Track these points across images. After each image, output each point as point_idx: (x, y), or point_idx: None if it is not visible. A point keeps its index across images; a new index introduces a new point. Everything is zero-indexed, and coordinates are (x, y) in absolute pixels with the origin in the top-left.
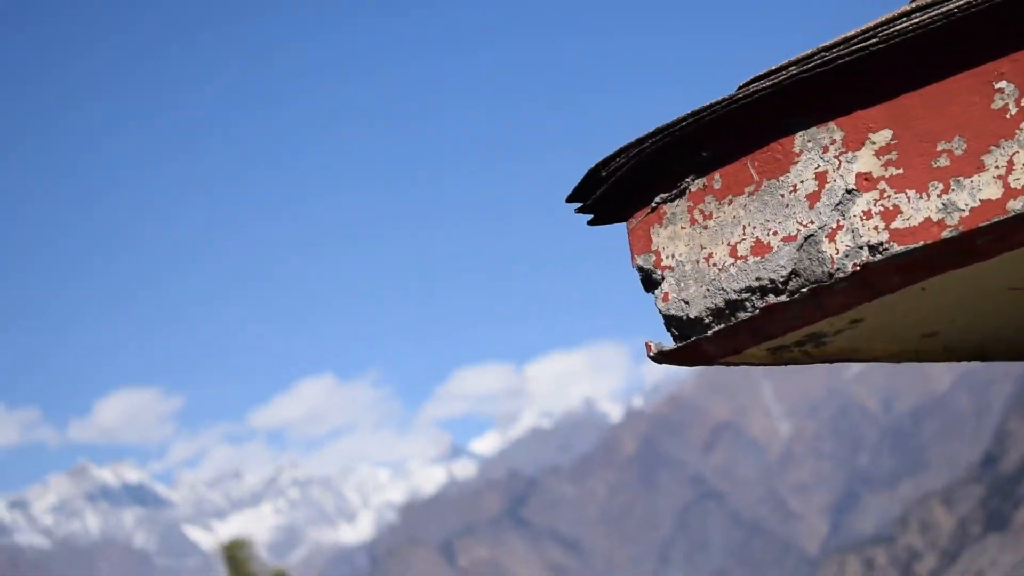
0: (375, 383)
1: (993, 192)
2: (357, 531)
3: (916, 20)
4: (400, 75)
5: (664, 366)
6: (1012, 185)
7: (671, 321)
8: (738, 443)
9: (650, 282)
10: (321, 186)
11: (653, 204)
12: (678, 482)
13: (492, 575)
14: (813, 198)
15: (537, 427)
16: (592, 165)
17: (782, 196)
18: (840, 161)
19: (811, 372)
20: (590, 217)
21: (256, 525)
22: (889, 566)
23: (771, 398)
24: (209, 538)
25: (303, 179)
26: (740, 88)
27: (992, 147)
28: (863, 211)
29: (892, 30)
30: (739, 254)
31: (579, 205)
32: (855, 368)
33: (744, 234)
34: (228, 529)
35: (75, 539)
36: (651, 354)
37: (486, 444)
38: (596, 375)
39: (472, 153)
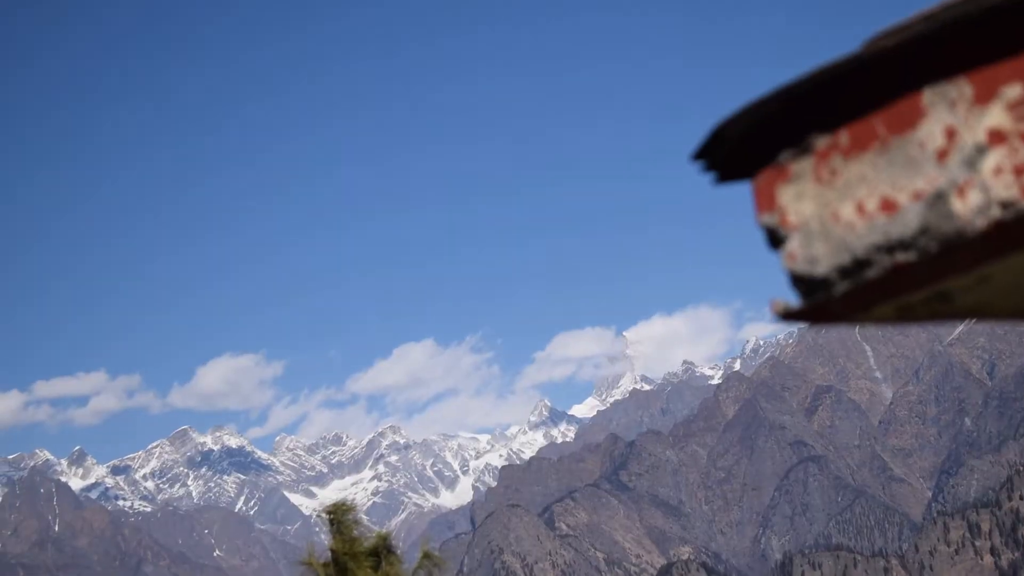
0: (475, 348)
1: None
2: (457, 496)
3: None
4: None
5: (764, 330)
6: None
7: (798, 280)
8: (839, 407)
9: (776, 240)
10: (421, 153)
11: (778, 162)
12: (779, 446)
13: (592, 539)
14: (942, 154)
15: (637, 391)
16: (717, 123)
17: (910, 153)
18: (970, 117)
19: (912, 335)
20: (715, 175)
21: (356, 490)
22: (993, 530)
23: (873, 362)
24: (309, 503)
25: (399, 148)
26: (867, 44)
27: None
28: (994, 167)
29: None
30: (866, 212)
31: (704, 163)
32: (956, 331)
33: (871, 191)
34: (328, 495)
35: (177, 503)
36: (777, 313)
37: (585, 408)
38: (696, 339)
39: (567, 116)
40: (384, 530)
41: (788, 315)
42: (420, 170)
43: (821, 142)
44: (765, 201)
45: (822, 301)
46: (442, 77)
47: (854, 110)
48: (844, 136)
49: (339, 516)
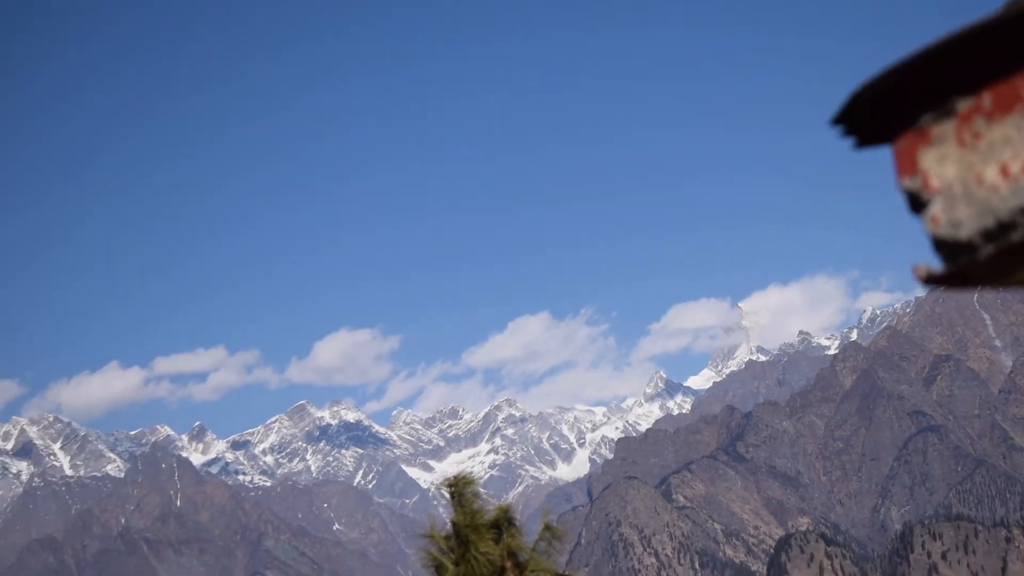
0: (591, 321)
1: None
2: (573, 468)
3: None
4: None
5: (881, 299)
6: None
7: (940, 244)
8: (958, 376)
9: (917, 204)
10: (539, 131)
11: (920, 126)
12: (897, 416)
13: (709, 511)
14: None
15: (752, 362)
16: (856, 88)
17: None
18: None
19: None
20: (854, 140)
21: (473, 464)
22: None
23: (992, 330)
24: (427, 477)
25: (520, 128)
26: (1009, 5)
27: None
28: None
29: None
30: (1011, 174)
31: (844, 128)
32: None
33: (1016, 154)
34: (445, 468)
35: (296, 478)
36: (920, 277)
37: (701, 380)
38: (812, 309)
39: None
40: (504, 502)
41: (931, 279)
42: (536, 147)
43: (963, 105)
44: (906, 165)
45: (965, 265)
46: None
47: (996, 72)
48: (987, 98)
49: (460, 489)
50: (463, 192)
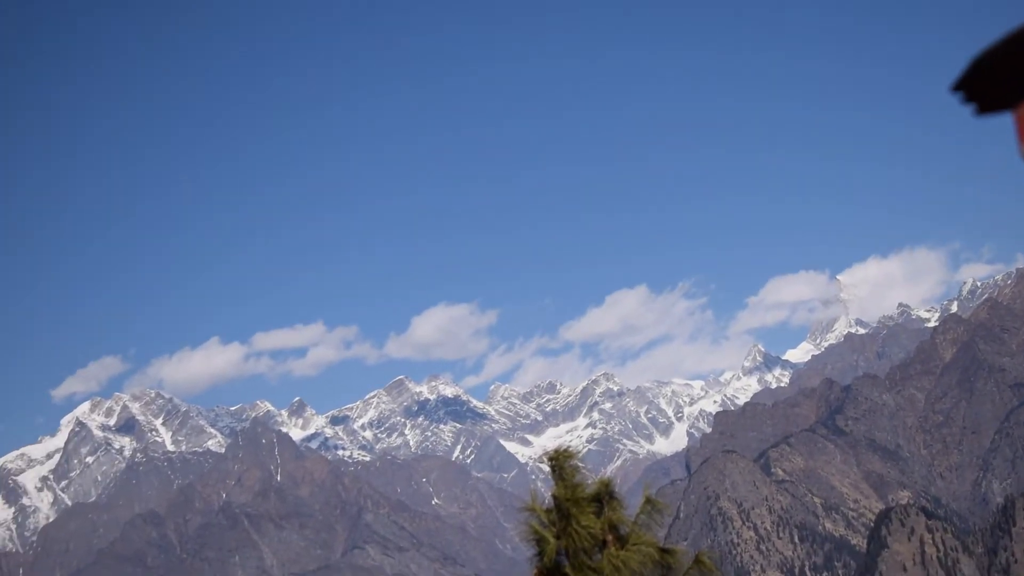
0: (688, 294)
1: None
2: (672, 442)
3: None
4: None
5: (981, 271)
6: None
7: None
8: None
9: None
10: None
11: None
12: (999, 388)
13: (808, 484)
14: None
15: (851, 335)
16: (977, 54)
17: None
18: None
19: None
20: (975, 106)
21: (571, 438)
22: None
23: None
24: (525, 451)
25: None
26: None
27: None
28: None
29: None
30: None
31: (964, 94)
32: None
33: None
34: (543, 442)
35: (395, 453)
36: None
37: (800, 353)
38: (911, 281)
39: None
40: (605, 476)
41: None
42: (638, 113)
43: None
44: None
45: None
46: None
47: None
48: None
49: (561, 462)
50: (561, 167)
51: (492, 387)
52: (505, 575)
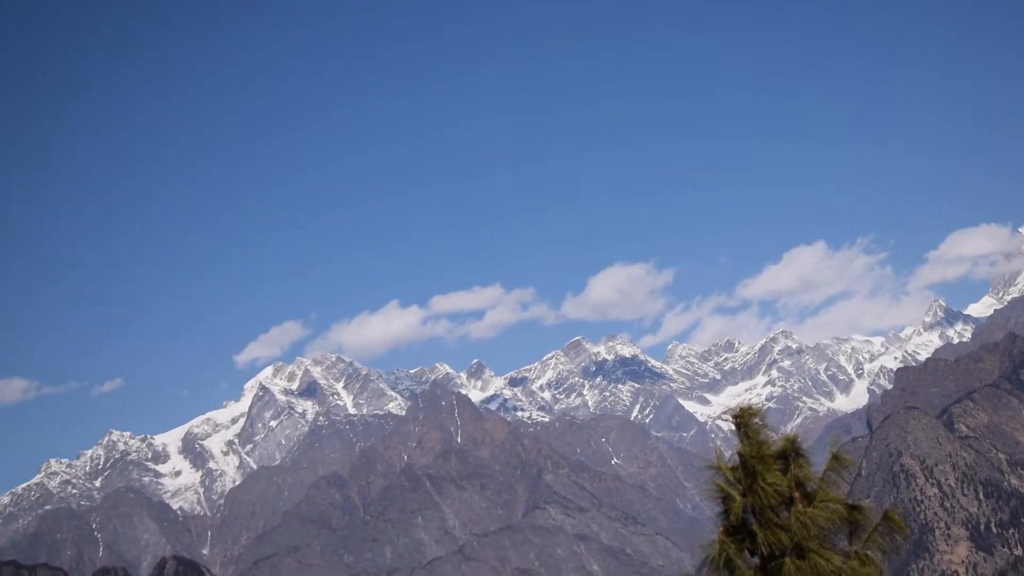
0: (867, 250)
1: None
2: (852, 399)
3: None
4: None
5: None
6: None
7: None
8: None
9: None
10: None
11: None
12: None
13: (993, 440)
14: None
15: None
16: None
17: None
18: None
19: None
20: None
21: (750, 396)
22: None
23: None
24: (704, 410)
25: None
26: None
27: None
28: None
29: None
30: None
31: None
32: None
33: None
34: (722, 401)
35: (573, 413)
36: None
37: (982, 307)
38: None
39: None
40: (791, 433)
41: None
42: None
43: None
44: None
45: None
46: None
47: None
48: None
49: (745, 420)
50: (736, 127)
51: (670, 346)
52: (687, 534)
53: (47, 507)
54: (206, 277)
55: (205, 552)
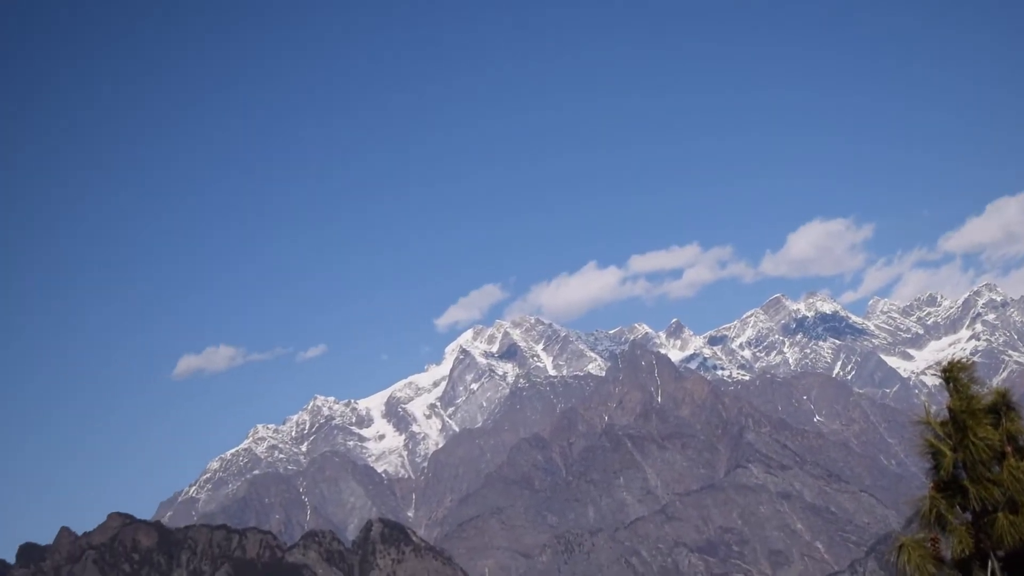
0: None
1: None
2: None
3: None
4: None
5: None
6: None
7: None
8: None
9: None
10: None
11: None
12: None
13: None
14: None
15: None
16: None
17: None
18: None
19: None
20: None
21: (954, 351)
22: None
23: None
24: (907, 365)
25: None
26: None
27: None
28: None
29: None
30: None
31: None
32: None
33: None
34: (925, 356)
35: (774, 371)
36: None
37: None
38: None
39: None
40: (1000, 387)
41: None
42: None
43: None
44: None
45: None
46: None
47: None
48: None
49: (955, 374)
50: (938, 70)
51: (871, 302)
52: (891, 490)
53: (255, 472)
54: (407, 243)
55: (410, 514)
